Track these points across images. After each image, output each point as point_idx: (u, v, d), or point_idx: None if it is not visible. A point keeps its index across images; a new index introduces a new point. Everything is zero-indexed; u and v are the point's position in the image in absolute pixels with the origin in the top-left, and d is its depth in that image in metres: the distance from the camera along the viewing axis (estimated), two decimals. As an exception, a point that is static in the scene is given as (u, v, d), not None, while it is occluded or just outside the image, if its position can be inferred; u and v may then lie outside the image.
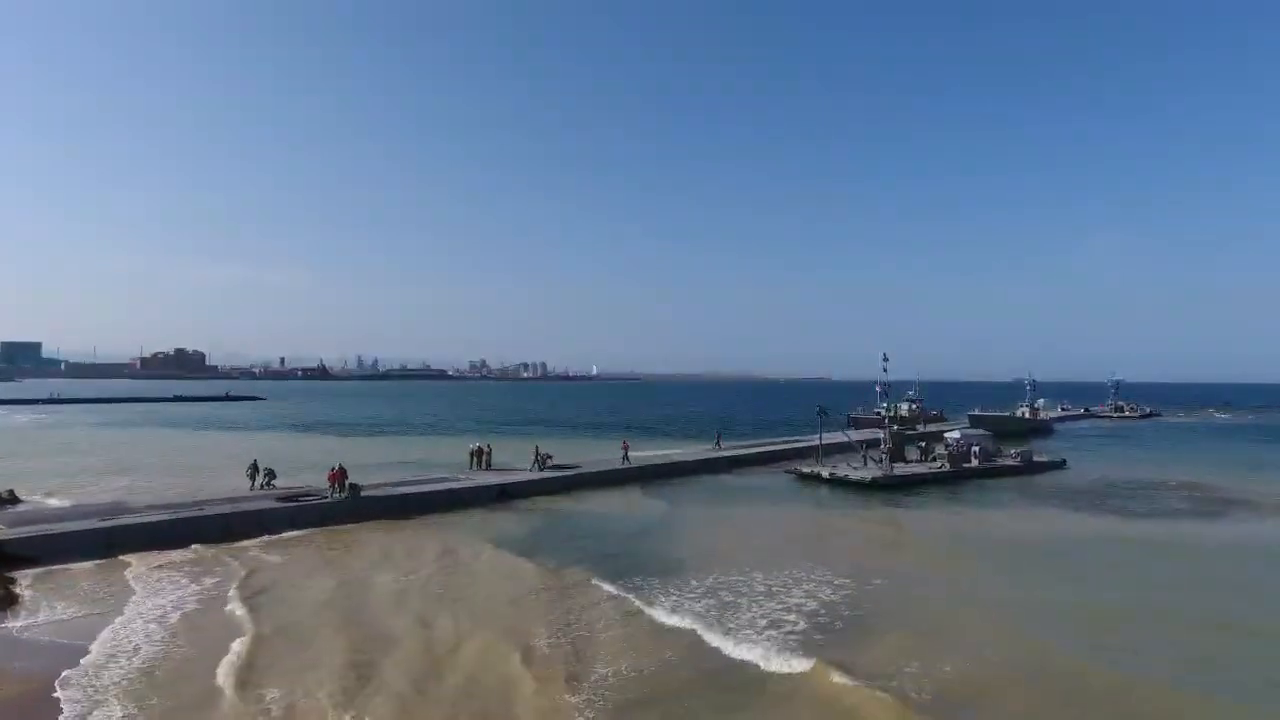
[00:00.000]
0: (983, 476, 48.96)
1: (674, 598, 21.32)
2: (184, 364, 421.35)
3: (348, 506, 32.53)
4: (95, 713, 14.05)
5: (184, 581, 22.82)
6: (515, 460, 47.45)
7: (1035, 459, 54.00)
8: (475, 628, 18.65)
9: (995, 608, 21.07)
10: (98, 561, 24.68)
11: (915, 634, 18.37)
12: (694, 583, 22.92)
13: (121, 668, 16.12)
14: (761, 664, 16.50)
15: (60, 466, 49.38)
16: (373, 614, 19.96)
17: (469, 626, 18.77)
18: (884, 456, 48.29)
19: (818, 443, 51.38)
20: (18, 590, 21.51)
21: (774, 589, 22.28)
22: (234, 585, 22.33)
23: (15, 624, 19.03)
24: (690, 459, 52.64)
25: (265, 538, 28.69)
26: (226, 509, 30.45)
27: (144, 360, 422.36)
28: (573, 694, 14.81)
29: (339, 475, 33.62)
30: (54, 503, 33.89)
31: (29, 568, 23.65)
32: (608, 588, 22.21)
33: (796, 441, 63.44)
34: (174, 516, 28.84)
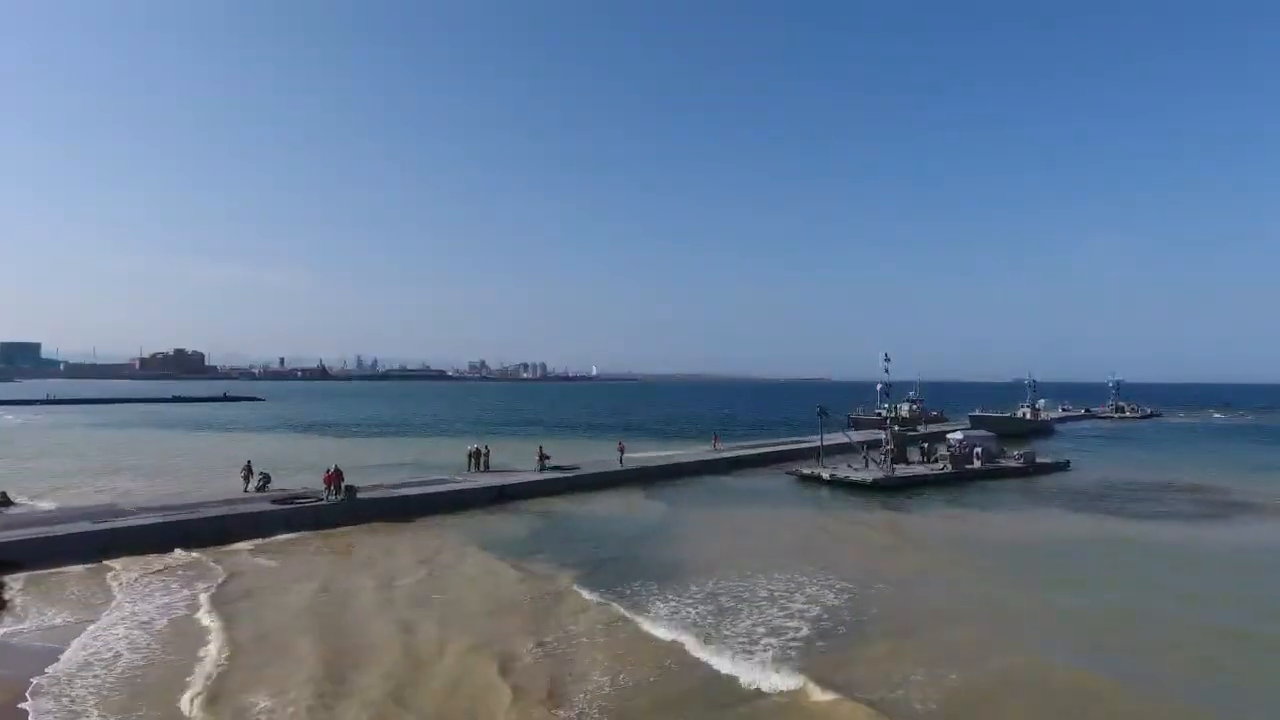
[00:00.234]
0: (985, 478, 48.59)
1: (672, 603, 20.89)
2: (183, 365, 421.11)
3: (343, 509, 32.15)
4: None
5: (175, 586, 22.38)
6: (514, 461, 47.13)
7: (1038, 460, 53.64)
8: (457, 637, 17.99)
9: (998, 616, 20.60)
10: (89, 565, 24.26)
11: (917, 643, 17.92)
12: (693, 587, 22.52)
13: (97, 676, 15.70)
14: (753, 680, 15.70)
15: (54, 468, 49.05)
16: (354, 623, 19.35)
17: (451, 636, 18.11)
18: (885, 458, 47.93)
19: (818, 444, 51.02)
20: (5, 595, 21.15)
21: (775, 594, 21.88)
22: (217, 591, 21.81)
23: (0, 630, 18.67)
24: (690, 460, 52.27)
25: (259, 540, 28.28)
26: (220, 511, 30.06)
27: (143, 361, 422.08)
28: (550, 710, 14.23)
29: (335, 477, 33.25)
30: (46, 505, 33.48)
31: (18, 572, 23.28)
32: (599, 595, 21.52)
33: (797, 442, 63.07)
34: (167, 519, 28.46)
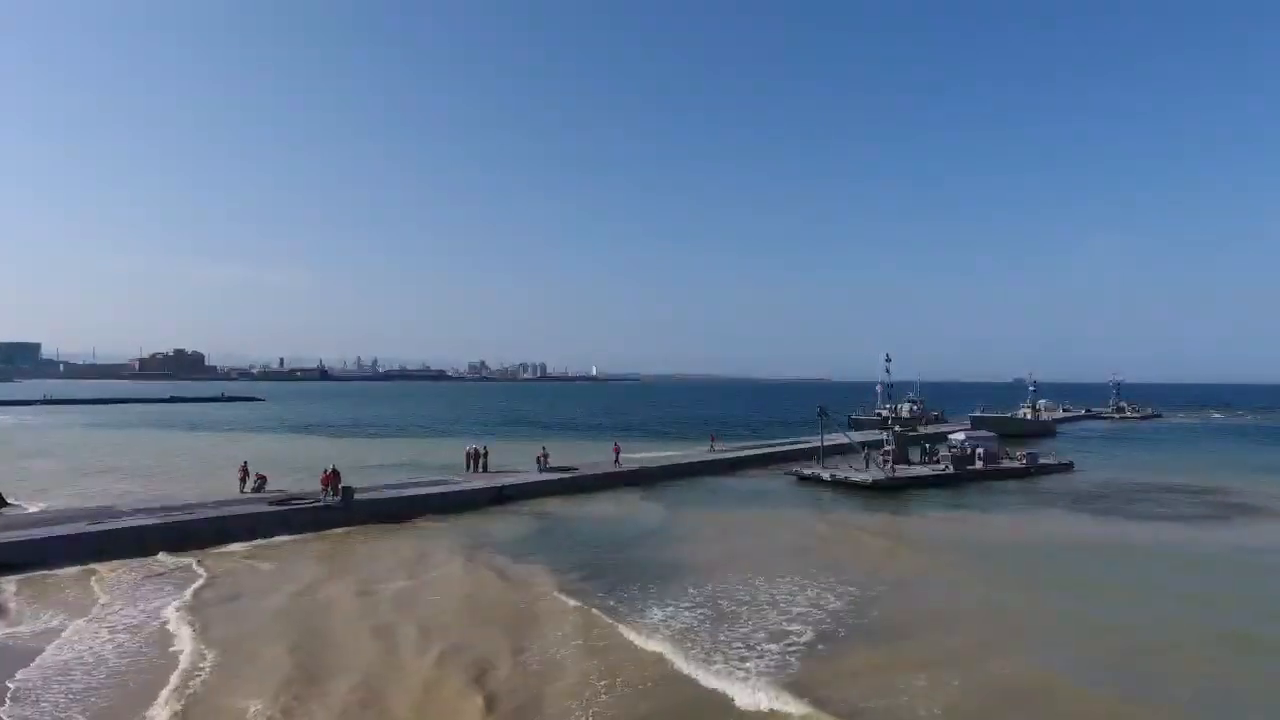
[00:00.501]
0: (987, 479, 48.33)
1: (669, 608, 20.55)
2: (183, 365, 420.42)
3: (341, 510, 31.87)
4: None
5: (159, 590, 22.09)
6: (513, 462, 46.88)
7: (1041, 461, 53.35)
8: (434, 645, 17.51)
9: (999, 622, 20.21)
10: (83, 567, 24.06)
11: (916, 650, 17.54)
12: (691, 590, 22.27)
13: (67, 683, 15.47)
14: (737, 696, 14.84)
15: (51, 469, 48.80)
16: (331, 629, 18.86)
17: (428, 644, 17.61)
18: (887, 458, 47.68)
19: (819, 444, 50.76)
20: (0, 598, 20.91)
21: (776, 597, 21.63)
22: (200, 596, 21.52)
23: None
24: (690, 461, 52.01)
25: (256, 542, 28.07)
26: (217, 513, 29.79)
27: (143, 361, 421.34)
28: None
29: (332, 478, 32.97)
30: (42, 506, 33.22)
31: (13, 574, 23.06)
32: (588, 601, 20.97)
33: (797, 443, 62.82)
34: (163, 521, 28.19)
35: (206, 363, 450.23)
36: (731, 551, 27.94)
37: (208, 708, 14.34)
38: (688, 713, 14.44)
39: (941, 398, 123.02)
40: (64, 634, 18.31)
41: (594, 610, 20.13)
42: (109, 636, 18.18)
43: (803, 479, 47.04)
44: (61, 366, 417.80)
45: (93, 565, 24.34)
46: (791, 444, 63.07)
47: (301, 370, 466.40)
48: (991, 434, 58.94)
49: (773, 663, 16.64)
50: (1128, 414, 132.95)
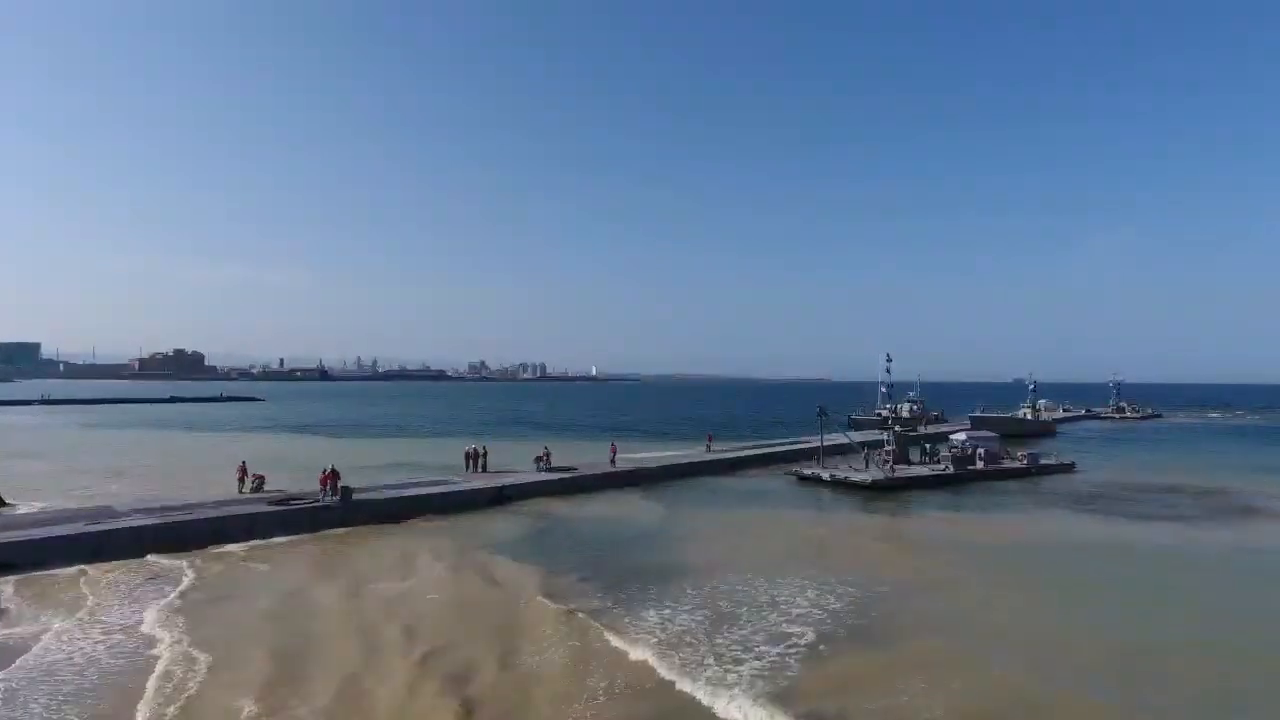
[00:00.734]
0: (988, 479, 48.23)
1: (667, 610, 20.43)
2: (183, 365, 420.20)
3: (339, 510, 31.78)
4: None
5: (147, 591, 22.04)
6: (513, 462, 46.78)
7: (1042, 462, 53.25)
8: (414, 650, 17.20)
9: (998, 627, 19.90)
10: (79, 567, 23.98)
11: (914, 656, 17.29)
12: (690, 591, 22.19)
13: (56, 684, 15.44)
14: (723, 710, 14.40)
15: (49, 469, 48.67)
16: (313, 632, 18.67)
17: (409, 649, 17.33)
18: (887, 458, 47.59)
19: (819, 444, 50.68)
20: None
21: (776, 598, 21.55)
22: (186, 597, 21.44)
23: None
24: (690, 461, 51.93)
25: (254, 543, 28.00)
26: (215, 513, 29.71)
27: (143, 361, 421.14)
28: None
29: (330, 477, 32.89)
30: (40, 507, 33.13)
31: (10, 574, 23.02)
32: (580, 604, 20.76)
33: (797, 443, 62.74)
34: (161, 521, 28.10)
35: (206, 363, 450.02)
36: (731, 552, 27.86)
37: (181, 710, 14.22)
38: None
39: (941, 398, 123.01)
40: (45, 636, 18.19)
41: (582, 615, 19.78)
42: (91, 638, 18.09)
43: (803, 479, 46.96)
44: (61, 366, 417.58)
45: (89, 565, 24.28)
46: (791, 444, 62.98)
47: (301, 370, 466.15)
48: (993, 434, 58.90)
49: (770, 665, 16.52)
50: (1128, 414, 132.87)
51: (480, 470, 43.12)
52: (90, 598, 21.23)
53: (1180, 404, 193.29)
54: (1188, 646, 18.52)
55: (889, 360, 52.53)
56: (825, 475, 45.83)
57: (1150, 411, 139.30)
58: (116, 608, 20.41)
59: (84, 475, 45.64)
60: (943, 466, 48.68)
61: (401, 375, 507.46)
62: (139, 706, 14.40)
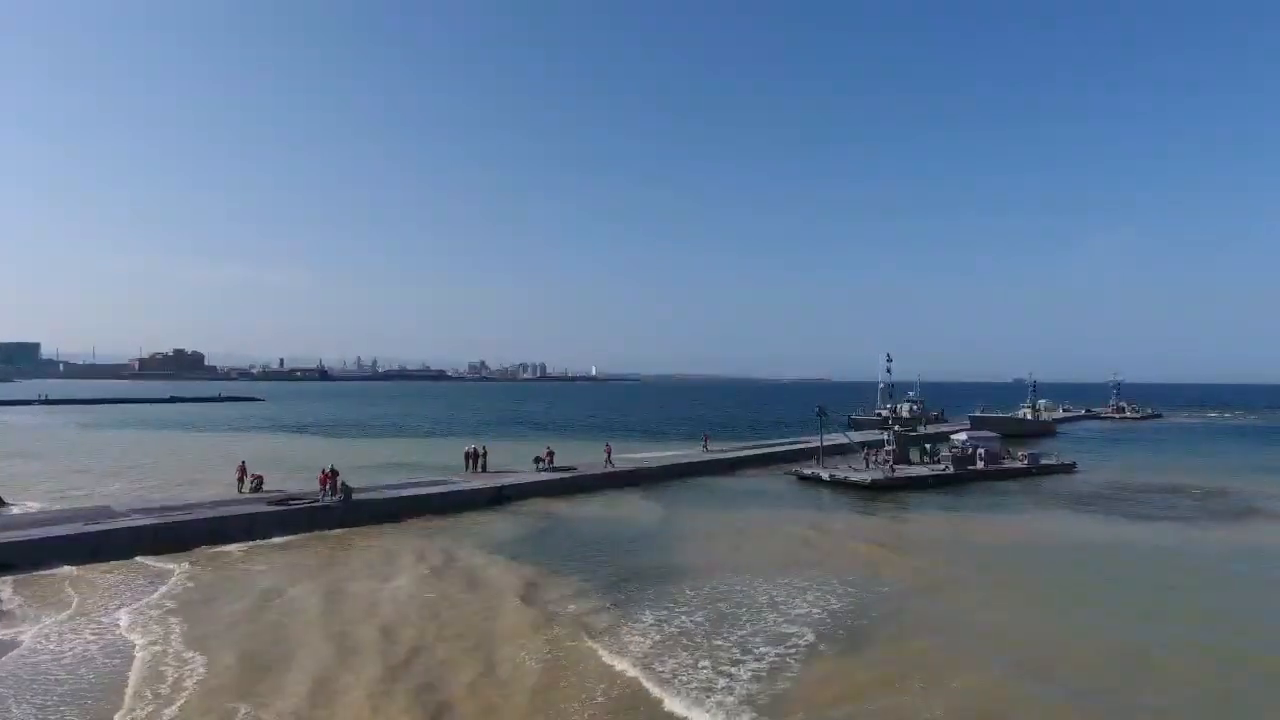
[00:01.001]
0: (988, 479, 48.18)
1: (664, 610, 20.35)
2: (183, 365, 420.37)
3: (339, 510, 31.74)
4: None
5: (145, 591, 21.97)
6: (512, 462, 46.73)
7: (1043, 462, 53.20)
8: (396, 654, 17.00)
9: (999, 630, 19.58)
10: (76, 567, 23.95)
11: (913, 661, 16.96)
12: (689, 592, 22.14)
13: (29, 686, 15.34)
14: None
15: (48, 469, 48.65)
16: (292, 634, 18.44)
17: (389, 652, 17.07)
18: (888, 458, 47.54)
19: (818, 444, 50.64)
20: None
21: (775, 599, 21.51)
22: (175, 597, 21.36)
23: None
24: (689, 461, 51.88)
25: (252, 542, 27.93)
26: (214, 513, 29.65)
27: (142, 361, 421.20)
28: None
29: (330, 477, 32.84)
30: (39, 507, 33.11)
31: (8, 574, 22.98)
32: (590, 602, 20.75)
33: (796, 443, 62.69)
34: (160, 521, 28.05)
35: (206, 363, 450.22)
36: (730, 552, 27.82)
37: (150, 715, 14.10)
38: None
39: (941, 398, 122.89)
40: (26, 637, 18.09)
41: (564, 618, 19.55)
42: (84, 638, 18.02)
43: (802, 479, 46.92)
44: (61, 366, 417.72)
45: (87, 565, 24.23)
46: (790, 444, 62.96)
47: (301, 370, 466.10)
48: (995, 434, 58.85)
49: (769, 666, 16.43)
50: (1128, 414, 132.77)
51: (480, 470, 43.07)
52: (81, 598, 21.15)
53: (1180, 404, 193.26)
54: (1188, 648, 18.44)
55: (889, 360, 52.50)
56: (825, 475, 45.79)
57: (1150, 411, 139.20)
58: (105, 608, 20.30)
59: (83, 475, 45.61)
60: (943, 466, 48.63)
61: (401, 375, 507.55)
62: (112, 707, 14.31)
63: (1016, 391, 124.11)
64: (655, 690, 15.24)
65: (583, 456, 50.24)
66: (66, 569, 23.75)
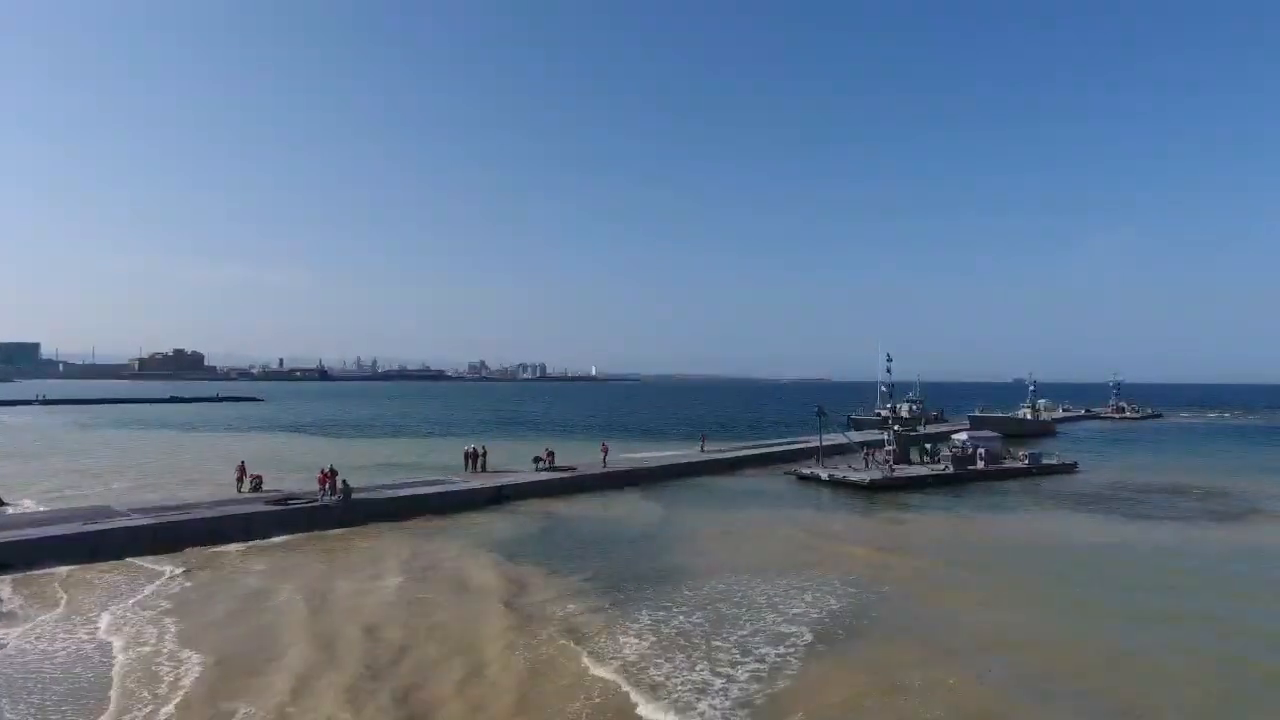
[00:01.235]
0: (988, 479, 48.11)
1: (662, 611, 20.29)
2: (183, 365, 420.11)
3: (338, 510, 31.68)
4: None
5: (136, 590, 21.93)
6: (512, 462, 46.68)
7: (1044, 462, 53.13)
8: (378, 656, 16.83)
9: (999, 630, 19.55)
10: (75, 567, 23.92)
11: (913, 660, 16.85)
12: (688, 592, 22.09)
13: (16, 684, 15.30)
14: None
15: (47, 469, 48.59)
16: (276, 635, 18.33)
17: (371, 654, 16.94)
18: (888, 458, 47.48)
19: (818, 444, 50.58)
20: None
21: (774, 599, 21.46)
22: (165, 597, 21.32)
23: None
24: (689, 461, 51.83)
25: (250, 542, 27.88)
26: (213, 513, 29.60)
27: (142, 361, 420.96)
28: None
29: (329, 477, 32.79)
30: (38, 507, 33.07)
31: (7, 573, 22.95)
32: (589, 602, 20.66)
33: (795, 443, 62.64)
34: (159, 521, 28.00)
35: (206, 363, 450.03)
36: (729, 552, 27.77)
37: (140, 713, 14.05)
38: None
39: (941, 398, 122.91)
40: (14, 637, 18.00)
41: (566, 621, 19.40)
42: (62, 640, 17.92)
43: (802, 479, 46.88)
44: (61, 366, 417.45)
45: (86, 565, 24.18)
46: (790, 444, 62.91)
47: (301, 370, 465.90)
48: (995, 434, 58.77)
49: (769, 667, 16.38)
50: (1128, 414, 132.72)
51: (479, 470, 43.04)
52: (77, 598, 21.08)
53: (1180, 404, 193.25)
54: (1188, 649, 18.37)
55: (889, 360, 52.45)
56: (824, 475, 45.75)
57: (1150, 411, 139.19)
58: (100, 608, 20.21)
59: (82, 475, 45.56)
60: (943, 466, 48.58)
61: (401, 375, 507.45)
62: (99, 707, 14.26)
63: (1016, 391, 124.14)
64: (637, 697, 14.86)
65: (582, 456, 50.19)
66: (64, 569, 23.70)
